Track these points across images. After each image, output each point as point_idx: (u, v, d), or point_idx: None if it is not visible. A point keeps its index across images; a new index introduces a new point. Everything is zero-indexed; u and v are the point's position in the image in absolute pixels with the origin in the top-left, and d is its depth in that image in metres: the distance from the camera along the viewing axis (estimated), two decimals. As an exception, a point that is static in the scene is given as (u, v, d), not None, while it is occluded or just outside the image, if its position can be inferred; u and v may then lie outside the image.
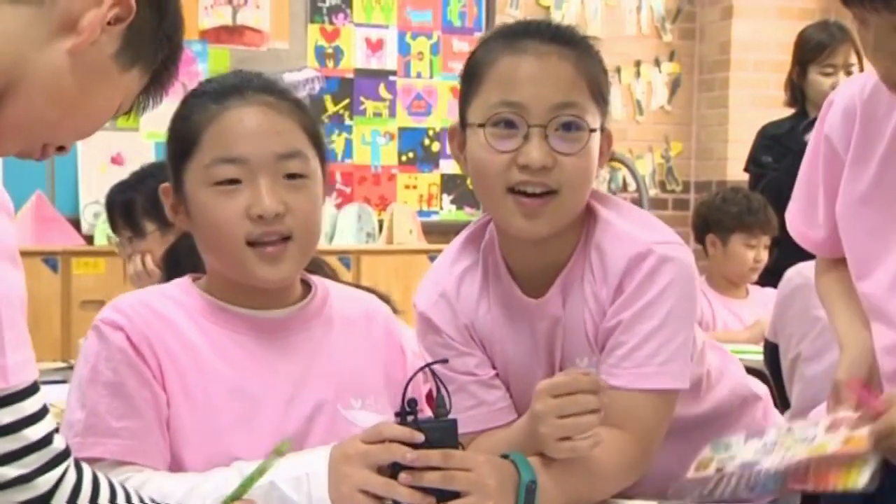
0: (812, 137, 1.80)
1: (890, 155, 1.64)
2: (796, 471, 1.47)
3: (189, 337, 1.57)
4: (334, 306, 1.69)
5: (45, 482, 1.13)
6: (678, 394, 1.62)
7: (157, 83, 1.31)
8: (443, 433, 1.42)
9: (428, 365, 1.49)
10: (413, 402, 1.43)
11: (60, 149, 1.27)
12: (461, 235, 1.76)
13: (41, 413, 1.14)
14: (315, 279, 1.71)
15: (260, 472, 1.36)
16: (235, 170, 1.55)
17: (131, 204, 2.76)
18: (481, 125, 1.59)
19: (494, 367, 1.71)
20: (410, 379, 1.46)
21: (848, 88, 1.74)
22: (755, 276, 3.94)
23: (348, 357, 1.65)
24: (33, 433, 1.12)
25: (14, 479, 1.11)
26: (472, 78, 1.63)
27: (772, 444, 1.52)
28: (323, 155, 1.65)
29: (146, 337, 1.54)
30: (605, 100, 1.64)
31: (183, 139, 1.59)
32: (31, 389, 1.13)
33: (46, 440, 1.14)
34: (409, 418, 1.43)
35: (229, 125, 1.56)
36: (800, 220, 1.83)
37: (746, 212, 3.85)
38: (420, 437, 1.40)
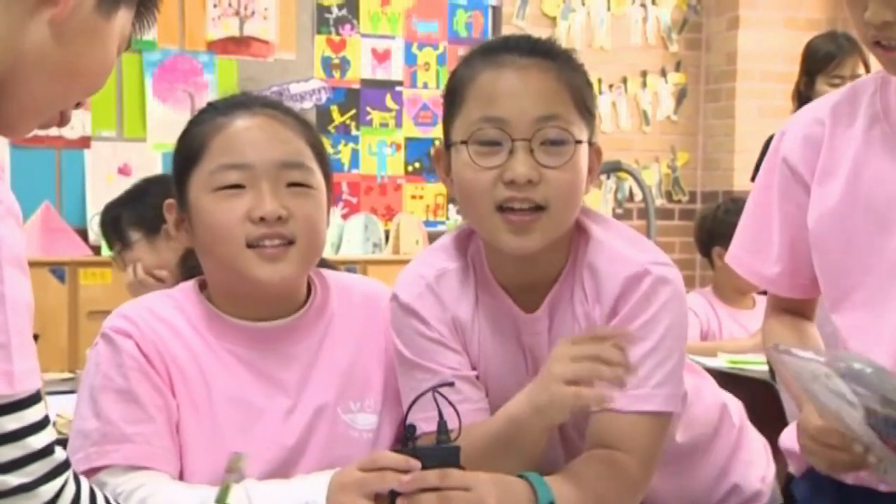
0: (761, 172, 1.74)
1: (860, 163, 1.59)
2: None
3: (192, 344, 1.58)
4: (335, 301, 1.68)
5: (46, 492, 1.13)
6: (671, 416, 1.59)
7: (145, 7, 1.27)
8: (443, 460, 1.40)
9: (434, 388, 1.46)
10: (412, 428, 1.42)
11: (77, 105, 1.26)
12: (447, 237, 1.71)
13: (43, 422, 1.14)
14: (315, 275, 1.69)
15: (224, 492, 1.36)
16: (239, 175, 1.57)
17: (118, 217, 2.82)
18: (464, 142, 1.56)
19: (475, 369, 1.65)
20: (413, 403, 1.45)
21: (801, 116, 1.71)
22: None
23: (348, 355, 1.65)
24: (36, 442, 1.12)
25: (16, 487, 1.10)
26: (453, 96, 1.60)
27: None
28: (328, 171, 1.65)
29: (154, 344, 1.56)
30: (591, 112, 1.59)
31: (190, 147, 1.61)
32: (35, 398, 1.12)
33: (48, 449, 1.14)
34: (410, 444, 1.41)
35: (235, 133, 1.59)
36: (749, 257, 1.76)
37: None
38: (416, 464, 1.38)
